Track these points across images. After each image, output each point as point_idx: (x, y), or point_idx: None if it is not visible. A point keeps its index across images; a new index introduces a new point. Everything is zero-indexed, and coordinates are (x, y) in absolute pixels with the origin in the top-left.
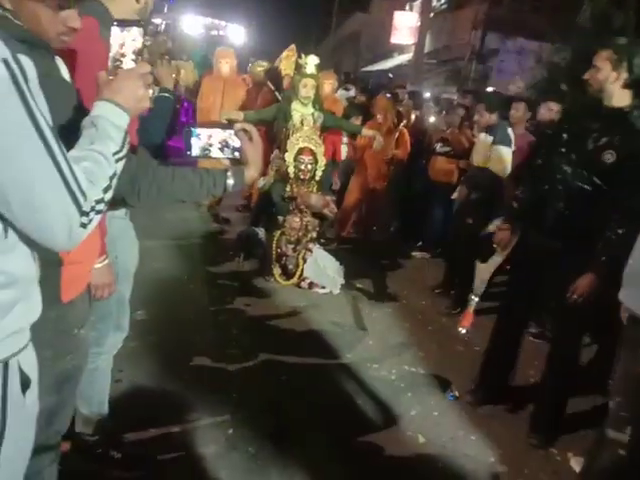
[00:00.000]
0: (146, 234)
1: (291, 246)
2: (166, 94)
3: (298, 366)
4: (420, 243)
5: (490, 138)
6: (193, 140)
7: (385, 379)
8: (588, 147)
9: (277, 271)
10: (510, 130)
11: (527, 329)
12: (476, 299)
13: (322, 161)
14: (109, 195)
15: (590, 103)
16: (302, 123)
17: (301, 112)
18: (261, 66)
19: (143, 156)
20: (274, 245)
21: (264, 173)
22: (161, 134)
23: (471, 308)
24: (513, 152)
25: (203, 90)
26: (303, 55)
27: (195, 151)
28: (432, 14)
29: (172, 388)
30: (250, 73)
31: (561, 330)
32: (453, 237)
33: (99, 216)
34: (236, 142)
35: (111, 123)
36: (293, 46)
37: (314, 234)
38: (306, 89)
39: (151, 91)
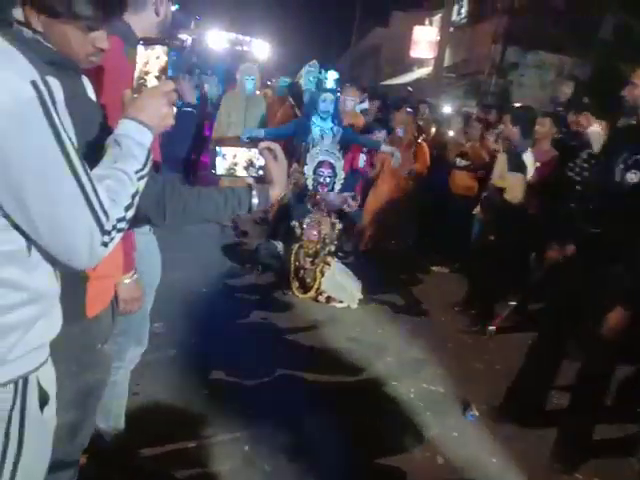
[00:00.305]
0: (165, 245)
1: (309, 259)
2: (189, 109)
3: (315, 383)
4: (439, 258)
5: (504, 158)
6: (218, 160)
7: (403, 397)
8: (618, 166)
9: (295, 284)
10: (528, 154)
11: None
12: (513, 304)
13: (341, 175)
14: (131, 213)
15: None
16: (322, 137)
17: (320, 126)
18: (284, 82)
19: (169, 176)
20: (292, 258)
21: None
22: (184, 148)
23: (505, 312)
24: (536, 168)
25: (225, 106)
26: (323, 70)
27: (220, 170)
28: (452, 28)
29: (188, 403)
30: (272, 88)
31: (593, 350)
32: (475, 254)
33: (121, 234)
34: (261, 161)
35: (135, 141)
36: (314, 62)
37: (332, 247)
38: (325, 104)
39: (175, 108)
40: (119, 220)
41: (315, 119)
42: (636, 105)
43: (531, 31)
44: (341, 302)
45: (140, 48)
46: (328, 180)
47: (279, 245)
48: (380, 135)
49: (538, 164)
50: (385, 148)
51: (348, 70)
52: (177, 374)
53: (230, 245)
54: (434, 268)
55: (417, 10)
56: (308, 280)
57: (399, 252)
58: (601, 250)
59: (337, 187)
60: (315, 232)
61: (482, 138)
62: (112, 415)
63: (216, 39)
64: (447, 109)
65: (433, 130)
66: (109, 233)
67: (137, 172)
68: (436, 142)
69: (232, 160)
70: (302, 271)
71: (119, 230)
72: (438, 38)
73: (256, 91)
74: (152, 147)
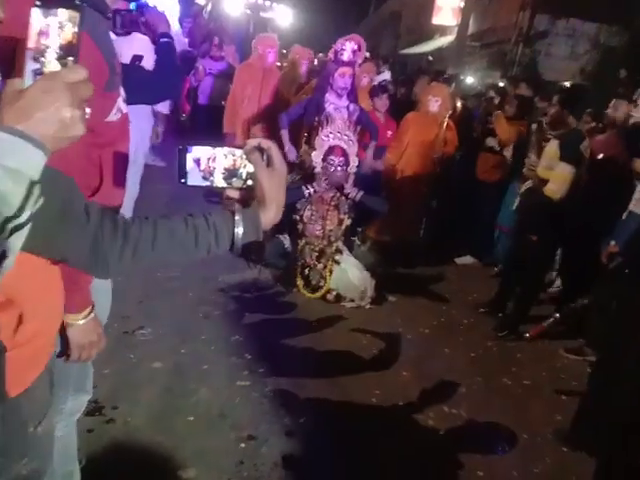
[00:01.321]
0: None
1: (315, 254)
2: (166, 39)
3: (318, 400)
4: (464, 249)
5: (556, 146)
6: (189, 164)
7: (420, 423)
8: None
9: (300, 282)
10: (586, 143)
11: None
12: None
13: (354, 162)
14: None
15: None
16: (334, 116)
17: (335, 103)
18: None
19: (106, 214)
20: (298, 255)
21: (290, 170)
22: (178, 86)
23: (548, 323)
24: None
25: (239, 78)
26: (340, 40)
27: (193, 180)
28: None
29: (172, 433)
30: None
31: None
32: (512, 254)
33: None
34: (249, 167)
35: (4, 170)
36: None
37: (339, 244)
38: (344, 79)
39: (88, 110)
40: None
41: (329, 95)
42: None
43: None
44: (352, 301)
45: (35, 12)
46: (339, 169)
47: (286, 241)
48: (381, 102)
49: (601, 156)
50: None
51: (366, 38)
52: (163, 394)
53: None
54: (458, 261)
55: None
56: (313, 281)
57: (417, 244)
58: None
59: (350, 179)
60: (319, 227)
61: (521, 117)
62: (59, 475)
63: (234, 4)
64: (470, 80)
65: (458, 105)
66: None
67: (7, 221)
68: (463, 120)
69: (208, 165)
70: (308, 269)
71: None
72: (462, 4)
73: (277, 63)
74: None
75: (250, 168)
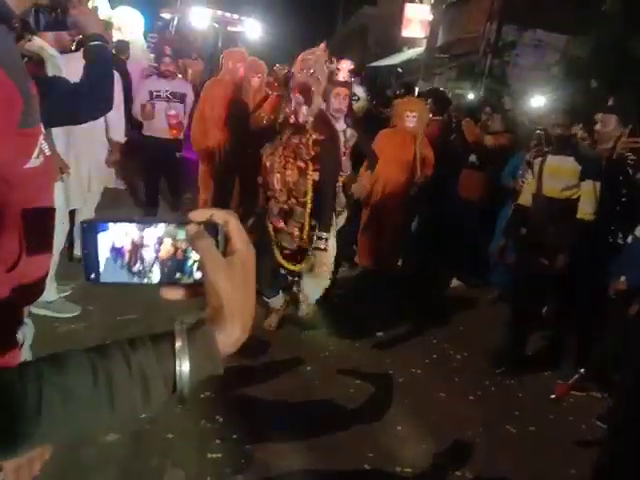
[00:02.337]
0: None
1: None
2: (98, 42)
3: (303, 473)
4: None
5: (574, 163)
6: (102, 250)
7: None
8: None
9: (277, 251)
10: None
11: None
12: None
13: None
14: None
15: None
16: None
17: None
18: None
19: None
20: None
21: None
22: (109, 100)
23: (573, 380)
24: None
25: (209, 96)
26: (334, 59)
27: (109, 273)
28: (444, 6)
29: None
30: (274, 78)
31: None
32: (520, 280)
33: None
34: (194, 254)
35: None
36: (322, 45)
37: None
38: (338, 100)
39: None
40: None
41: None
42: None
43: (529, 8)
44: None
45: None
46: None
47: None
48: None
49: None
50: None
51: (335, 52)
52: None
53: None
54: (453, 284)
55: None
56: (288, 247)
57: (409, 270)
58: None
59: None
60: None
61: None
62: None
63: (200, 17)
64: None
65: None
66: None
67: None
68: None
69: (131, 252)
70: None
71: None
72: (431, 16)
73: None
74: None
75: (196, 256)
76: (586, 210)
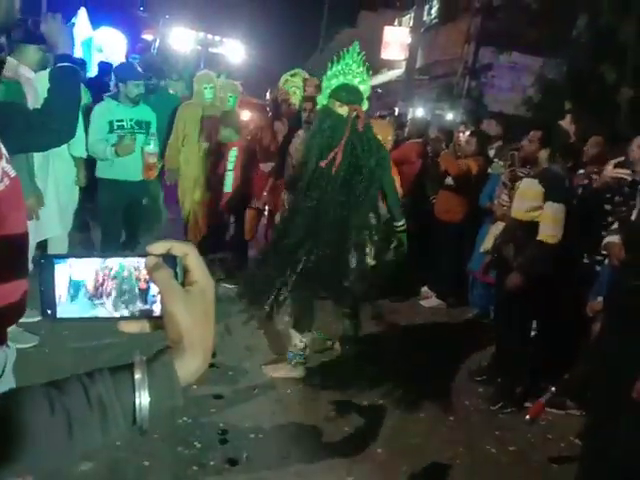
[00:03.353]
0: None
1: None
2: (64, 63)
3: None
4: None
5: (537, 185)
6: (59, 285)
7: None
8: None
9: None
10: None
11: None
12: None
13: None
14: None
15: None
16: None
17: None
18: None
19: None
20: None
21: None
22: (74, 123)
23: (545, 399)
24: None
25: (180, 117)
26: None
27: (66, 309)
28: (422, 29)
29: None
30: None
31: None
32: (503, 309)
33: None
34: (153, 288)
35: None
36: (298, 70)
37: None
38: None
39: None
40: None
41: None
42: None
43: (504, 31)
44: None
45: None
46: None
47: None
48: None
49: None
50: None
51: (316, 73)
52: None
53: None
54: (424, 303)
55: (386, 10)
56: None
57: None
58: None
59: None
60: None
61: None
62: None
63: (182, 39)
64: (420, 112)
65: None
66: None
67: None
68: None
69: (90, 286)
70: None
71: None
72: (410, 39)
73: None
74: None
75: (155, 290)
76: (546, 232)
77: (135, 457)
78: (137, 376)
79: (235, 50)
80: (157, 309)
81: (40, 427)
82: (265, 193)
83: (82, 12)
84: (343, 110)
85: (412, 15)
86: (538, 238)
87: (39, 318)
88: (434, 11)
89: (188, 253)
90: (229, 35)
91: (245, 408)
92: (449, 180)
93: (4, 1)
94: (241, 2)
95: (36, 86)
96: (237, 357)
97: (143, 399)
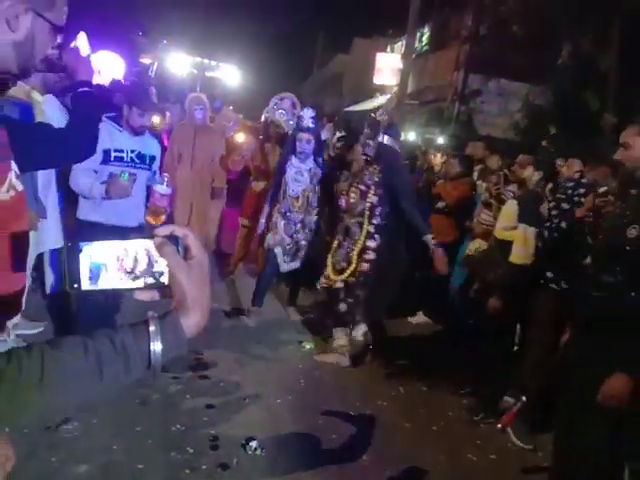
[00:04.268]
0: None
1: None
2: (84, 89)
3: None
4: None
5: (515, 207)
6: (83, 265)
7: None
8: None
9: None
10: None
11: None
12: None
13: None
14: None
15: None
16: (296, 180)
17: (297, 167)
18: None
19: None
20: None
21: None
22: (94, 142)
23: (517, 407)
24: None
25: (174, 139)
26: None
27: (87, 283)
28: (414, 55)
29: None
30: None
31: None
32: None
33: None
34: (161, 263)
35: None
36: (286, 95)
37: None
38: (301, 144)
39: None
40: None
41: (293, 160)
42: (636, 168)
43: (493, 58)
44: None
45: None
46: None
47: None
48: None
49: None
50: None
51: (311, 97)
52: None
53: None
54: (412, 320)
55: (379, 37)
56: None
57: None
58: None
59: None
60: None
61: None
62: None
63: (179, 63)
64: (411, 136)
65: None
66: None
67: None
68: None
69: (111, 265)
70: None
71: None
72: (401, 65)
73: (206, 121)
74: None
75: (164, 263)
76: (518, 253)
77: (129, 461)
78: (151, 328)
79: (231, 74)
80: (165, 280)
81: (77, 365)
82: (263, 220)
83: (82, 36)
84: None
85: (404, 42)
86: (509, 259)
87: (41, 329)
88: (425, 39)
89: (188, 234)
90: (225, 60)
91: (236, 417)
92: (440, 204)
93: (24, 48)
94: (238, 29)
95: (44, 108)
96: (228, 370)
97: (157, 346)
